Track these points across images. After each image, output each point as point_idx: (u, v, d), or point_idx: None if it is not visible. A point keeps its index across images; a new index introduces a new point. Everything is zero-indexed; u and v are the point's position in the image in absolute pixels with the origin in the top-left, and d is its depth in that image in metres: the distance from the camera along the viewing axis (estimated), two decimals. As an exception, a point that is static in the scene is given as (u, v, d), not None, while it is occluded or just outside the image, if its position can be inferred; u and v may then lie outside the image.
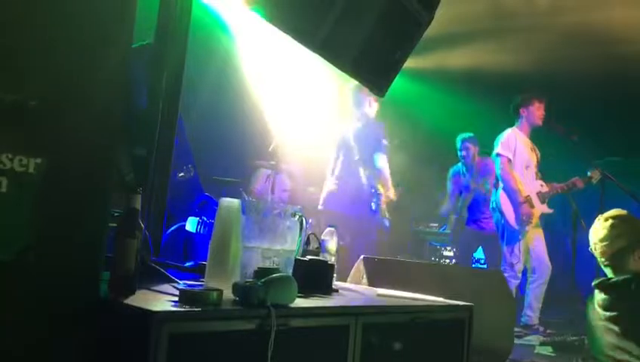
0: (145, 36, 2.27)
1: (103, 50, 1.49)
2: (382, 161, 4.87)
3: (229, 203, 1.79)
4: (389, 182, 4.98)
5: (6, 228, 1.27)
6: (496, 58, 6.16)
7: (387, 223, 5.01)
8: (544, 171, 6.16)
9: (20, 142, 1.26)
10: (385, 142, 4.91)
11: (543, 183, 5.45)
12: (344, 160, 4.88)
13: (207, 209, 2.53)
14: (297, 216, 1.98)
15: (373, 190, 4.75)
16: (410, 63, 2.61)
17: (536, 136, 6.19)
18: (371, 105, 4.93)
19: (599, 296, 2.93)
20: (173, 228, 2.39)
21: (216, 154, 4.53)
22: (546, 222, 6.47)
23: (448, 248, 6.54)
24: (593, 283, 2.98)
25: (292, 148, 4.88)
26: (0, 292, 1.28)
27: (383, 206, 4.88)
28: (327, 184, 4.92)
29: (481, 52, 6.15)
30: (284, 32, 2.08)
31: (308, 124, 5.41)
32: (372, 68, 2.14)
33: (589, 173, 5.52)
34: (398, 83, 2.77)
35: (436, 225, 6.90)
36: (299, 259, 2.08)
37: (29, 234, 1.33)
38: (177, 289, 1.66)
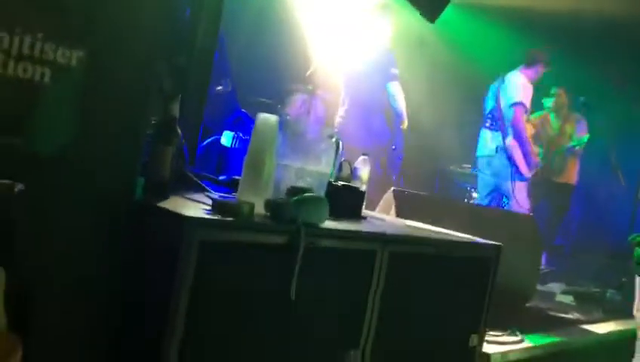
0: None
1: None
2: (394, 89, 4.65)
3: (266, 118, 1.77)
4: (404, 114, 4.76)
5: (49, 121, 1.28)
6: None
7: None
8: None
9: (63, 32, 1.24)
10: (395, 70, 4.59)
11: None
12: (352, 93, 4.69)
13: (242, 125, 2.52)
14: (334, 139, 1.95)
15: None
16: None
17: (581, 80, 5.96)
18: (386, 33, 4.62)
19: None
20: (208, 141, 2.40)
21: (255, 75, 4.48)
22: (583, 172, 6.35)
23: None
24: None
25: (329, 75, 4.76)
26: (43, 185, 1.30)
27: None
28: (336, 118, 4.81)
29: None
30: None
31: (346, 52, 5.29)
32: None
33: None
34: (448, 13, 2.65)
35: (468, 165, 6.79)
36: (331, 183, 2.07)
37: (71, 128, 1.34)
38: (210, 198, 1.68)
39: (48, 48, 1.22)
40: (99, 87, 1.37)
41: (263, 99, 4.34)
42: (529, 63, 5.21)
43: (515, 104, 5.05)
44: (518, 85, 5.12)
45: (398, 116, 4.67)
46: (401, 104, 4.64)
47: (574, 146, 5.88)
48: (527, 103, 5.14)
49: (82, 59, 1.29)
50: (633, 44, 6.04)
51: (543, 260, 5.74)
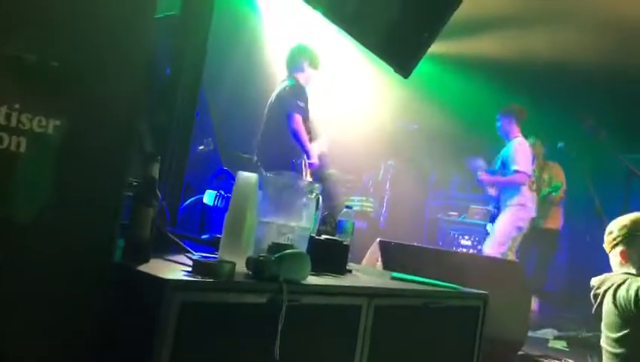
0: (171, 7, 2.26)
1: (126, 19, 1.48)
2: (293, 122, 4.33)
3: (246, 177, 1.79)
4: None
5: (25, 188, 1.28)
6: (522, 47, 6.02)
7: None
8: (566, 165, 6.09)
9: (39, 102, 1.26)
10: (300, 103, 4.33)
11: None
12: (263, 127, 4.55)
13: (225, 183, 2.53)
14: (314, 194, 1.97)
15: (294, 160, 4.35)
16: (434, 48, 2.55)
17: (563, 130, 6.09)
18: (305, 71, 4.49)
19: None
20: (190, 200, 2.40)
21: (237, 130, 4.52)
22: (568, 217, 6.40)
23: (466, 236, 6.49)
24: None
25: (319, 129, 4.79)
26: (17, 251, 1.29)
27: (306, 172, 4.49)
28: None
29: (508, 40, 6.02)
30: (312, 6, 2.05)
31: (332, 105, 5.39)
32: (399, 47, 2.09)
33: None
34: (422, 66, 2.72)
35: (455, 213, 6.85)
36: (314, 238, 2.07)
37: (47, 195, 1.34)
38: (191, 259, 1.67)
39: (25, 118, 1.24)
40: (76, 151, 1.38)
41: (246, 155, 4.36)
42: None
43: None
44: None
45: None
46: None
47: (550, 193, 5.96)
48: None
49: (59, 126, 1.31)
50: (607, 92, 6.24)
51: (536, 307, 5.72)
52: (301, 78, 4.48)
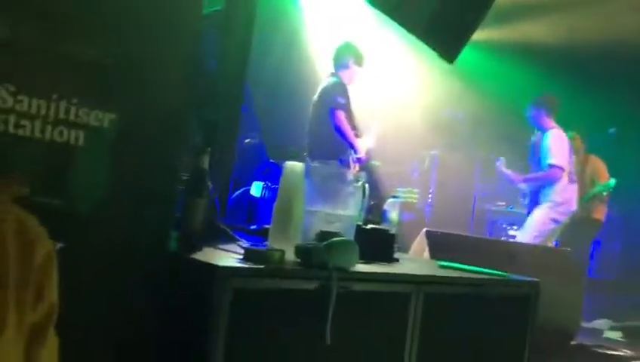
0: (215, 3, 2.30)
1: (176, 16, 1.52)
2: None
3: (293, 166, 1.81)
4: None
5: (83, 180, 1.34)
6: (570, 30, 5.84)
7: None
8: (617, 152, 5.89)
9: (96, 97, 1.31)
10: (341, 99, 4.35)
11: None
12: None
13: (271, 175, 2.57)
14: (360, 183, 1.98)
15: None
16: (477, 35, 2.50)
17: (615, 116, 5.90)
18: (350, 68, 4.53)
19: None
20: (238, 192, 2.45)
21: (282, 124, 4.56)
22: (621, 205, 6.21)
23: (515, 226, 6.37)
24: None
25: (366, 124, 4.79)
26: (77, 242, 1.34)
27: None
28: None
29: (555, 23, 5.85)
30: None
31: (377, 97, 5.37)
32: (444, 32, 2.07)
33: None
34: (466, 53, 2.68)
35: (503, 203, 6.74)
36: (360, 226, 2.08)
37: (105, 187, 1.39)
38: (242, 248, 1.70)
39: (82, 113, 1.29)
40: (131, 145, 1.43)
41: (292, 148, 4.40)
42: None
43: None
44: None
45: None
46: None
47: (601, 192, 5.76)
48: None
49: (114, 120, 1.36)
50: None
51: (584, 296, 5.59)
52: (345, 74, 4.53)
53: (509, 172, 5.38)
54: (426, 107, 6.01)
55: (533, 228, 5.02)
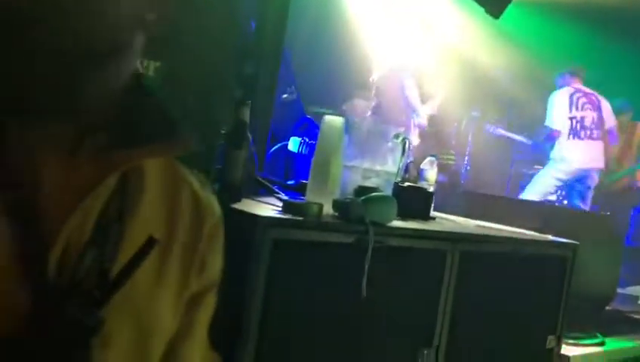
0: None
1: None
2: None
3: (332, 121, 1.81)
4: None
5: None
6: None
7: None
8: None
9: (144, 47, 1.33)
10: None
11: None
12: None
13: (308, 131, 2.57)
14: (400, 138, 1.96)
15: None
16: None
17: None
18: None
19: None
20: (276, 147, 2.46)
21: (315, 83, 4.55)
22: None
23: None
24: None
25: (391, 80, 4.77)
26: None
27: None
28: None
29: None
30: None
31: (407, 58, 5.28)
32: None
33: None
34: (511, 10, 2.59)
35: (541, 167, 6.60)
36: (398, 184, 2.08)
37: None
38: (280, 200, 1.72)
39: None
40: (174, 94, 1.45)
41: (324, 110, 4.39)
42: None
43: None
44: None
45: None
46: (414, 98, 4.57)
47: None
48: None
49: (159, 68, 1.37)
50: None
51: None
52: None
53: (514, 135, 5.42)
54: (468, 67, 5.87)
55: (536, 187, 5.15)
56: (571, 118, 5.07)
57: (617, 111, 5.61)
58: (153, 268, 0.86)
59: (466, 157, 6.29)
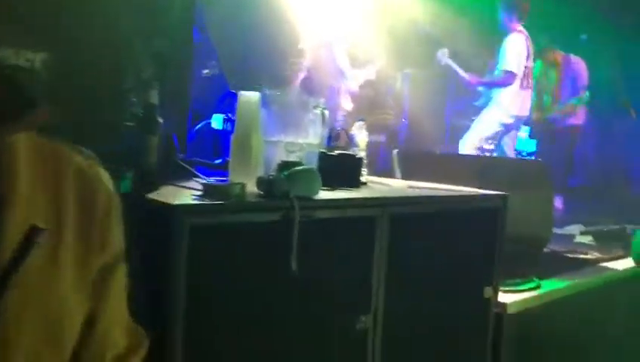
0: None
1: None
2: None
3: (247, 96, 1.75)
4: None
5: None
6: None
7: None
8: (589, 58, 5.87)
9: (24, 36, 1.22)
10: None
11: None
12: None
13: (232, 106, 2.49)
14: (319, 109, 1.93)
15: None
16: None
17: (581, 18, 5.78)
18: None
19: None
20: (199, 126, 2.38)
21: (238, 55, 4.42)
22: (594, 109, 6.24)
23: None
24: None
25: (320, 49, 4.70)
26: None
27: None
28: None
29: None
30: None
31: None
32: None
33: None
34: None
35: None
36: (324, 153, 2.05)
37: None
38: (201, 183, 1.67)
39: (11, 53, 1.20)
40: (68, 84, 1.35)
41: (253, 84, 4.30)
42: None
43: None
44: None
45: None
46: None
47: (576, 105, 5.78)
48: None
49: (47, 59, 1.27)
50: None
51: (560, 203, 5.71)
52: None
53: (461, 71, 5.43)
54: (396, 25, 5.84)
55: (479, 131, 5.21)
56: (525, 67, 5.16)
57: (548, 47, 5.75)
58: (46, 255, 0.84)
59: (403, 115, 6.32)
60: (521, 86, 5.20)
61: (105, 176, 0.99)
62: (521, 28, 5.17)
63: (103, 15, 1.47)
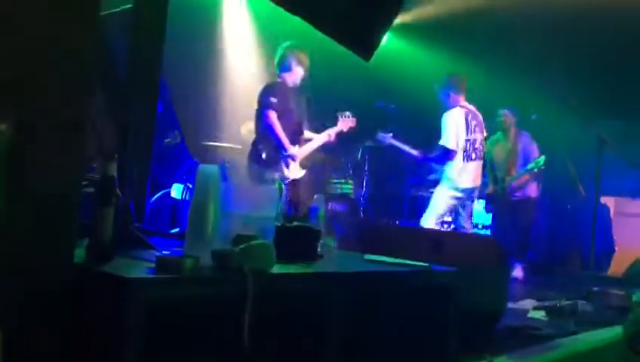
0: (125, 1, 2.23)
1: (67, 18, 1.46)
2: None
3: (207, 169, 1.78)
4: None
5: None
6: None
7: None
8: (540, 136, 6.16)
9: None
10: (273, 99, 4.37)
11: None
12: None
13: (193, 175, 2.52)
14: (277, 184, 1.97)
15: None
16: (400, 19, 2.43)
17: (531, 99, 6.12)
18: (293, 70, 4.60)
19: None
20: (158, 195, 2.39)
21: (205, 122, 4.50)
22: (546, 186, 6.47)
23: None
24: None
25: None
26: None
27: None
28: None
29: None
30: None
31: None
32: (357, 28, 2.05)
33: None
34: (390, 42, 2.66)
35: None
36: (280, 226, 2.08)
37: (1, 199, 1.33)
38: (155, 256, 1.66)
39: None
40: (27, 154, 1.37)
41: (211, 143, 4.33)
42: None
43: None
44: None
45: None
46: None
47: (532, 169, 5.98)
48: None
49: (5, 130, 1.29)
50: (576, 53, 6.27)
51: (521, 275, 5.83)
52: (289, 77, 4.57)
53: (407, 148, 5.55)
54: (357, 99, 6.04)
55: (435, 209, 5.31)
56: (467, 141, 5.29)
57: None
58: None
59: (364, 186, 6.44)
60: (466, 159, 5.33)
61: None
62: (464, 103, 5.35)
63: (56, 89, 1.48)
